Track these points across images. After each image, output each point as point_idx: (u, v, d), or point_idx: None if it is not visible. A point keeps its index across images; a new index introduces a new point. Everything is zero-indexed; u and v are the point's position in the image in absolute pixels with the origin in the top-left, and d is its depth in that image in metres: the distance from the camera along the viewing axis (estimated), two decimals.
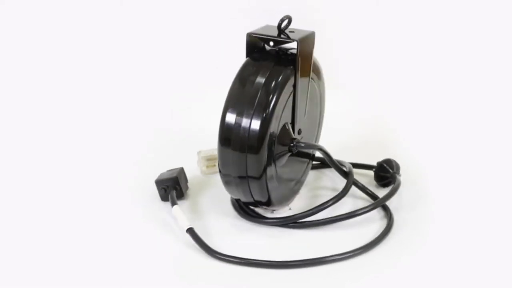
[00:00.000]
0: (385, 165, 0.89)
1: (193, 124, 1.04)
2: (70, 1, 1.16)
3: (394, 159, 0.91)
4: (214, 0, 1.13)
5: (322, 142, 0.89)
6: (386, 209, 0.84)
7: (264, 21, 0.78)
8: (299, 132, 0.83)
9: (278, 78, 0.76)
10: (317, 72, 0.85)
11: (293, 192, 0.87)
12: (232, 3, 1.11)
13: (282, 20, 0.77)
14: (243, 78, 0.76)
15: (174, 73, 1.16)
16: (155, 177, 0.87)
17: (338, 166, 0.84)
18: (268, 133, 0.75)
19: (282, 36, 0.78)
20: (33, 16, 1.16)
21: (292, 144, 0.79)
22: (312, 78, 0.82)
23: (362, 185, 0.88)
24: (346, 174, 0.84)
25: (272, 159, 0.77)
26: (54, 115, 1.11)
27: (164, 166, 0.90)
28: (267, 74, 0.76)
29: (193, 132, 1.03)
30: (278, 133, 0.77)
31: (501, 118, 1.09)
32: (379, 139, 1.05)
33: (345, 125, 0.99)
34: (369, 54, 1.16)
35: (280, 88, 0.76)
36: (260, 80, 0.75)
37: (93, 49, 1.18)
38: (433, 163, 0.99)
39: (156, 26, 1.16)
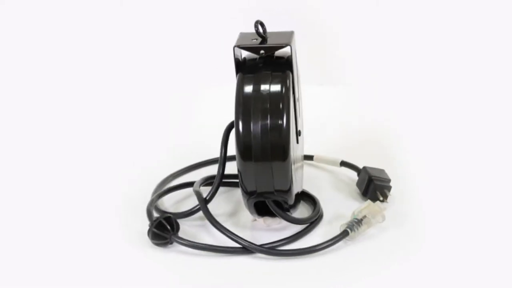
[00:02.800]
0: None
1: (191, 124, 1.04)
2: (67, 1, 1.15)
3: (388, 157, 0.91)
4: (214, 0, 1.12)
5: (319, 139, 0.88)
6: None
7: (264, 21, 0.77)
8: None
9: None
10: None
11: None
12: (232, 3, 1.10)
13: (256, 26, 0.76)
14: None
15: (173, 73, 1.15)
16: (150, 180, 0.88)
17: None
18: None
19: (269, 42, 0.76)
20: (32, 16, 1.15)
21: None
22: None
23: None
24: None
25: None
26: (48, 114, 1.11)
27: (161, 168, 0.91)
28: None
29: (189, 133, 1.03)
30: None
31: (503, 118, 1.07)
32: (377, 137, 1.04)
33: (344, 122, 0.98)
34: (368, 53, 1.15)
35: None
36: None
37: (89, 50, 1.17)
38: (430, 163, 0.98)
39: (156, 27, 1.15)
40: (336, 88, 0.89)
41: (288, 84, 0.74)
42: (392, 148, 1.02)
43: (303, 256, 0.75)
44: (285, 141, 0.73)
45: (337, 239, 0.76)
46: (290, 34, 0.78)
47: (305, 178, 0.88)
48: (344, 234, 0.77)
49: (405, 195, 0.88)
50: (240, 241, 0.75)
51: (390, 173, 0.89)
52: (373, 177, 0.87)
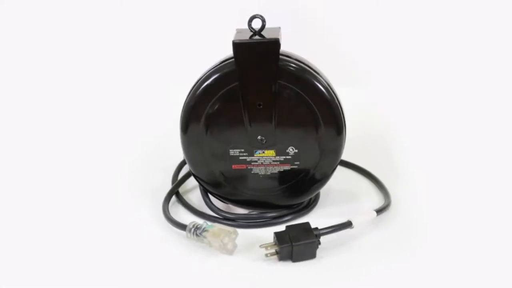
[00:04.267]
0: None
1: None
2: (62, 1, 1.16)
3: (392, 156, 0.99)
4: (214, 0, 1.11)
5: None
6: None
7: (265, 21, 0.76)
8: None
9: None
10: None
11: None
12: (232, 3, 1.09)
13: (250, 21, 0.76)
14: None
15: (173, 73, 1.17)
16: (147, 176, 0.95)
17: None
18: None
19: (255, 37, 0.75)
20: (26, 15, 1.18)
21: None
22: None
23: None
24: None
25: None
26: (45, 113, 1.17)
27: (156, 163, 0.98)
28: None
29: None
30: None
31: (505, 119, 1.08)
32: (377, 137, 1.05)
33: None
34: (368, 54, 1.15)
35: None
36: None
37: (85, 48, 1.19)
38: (431, 163, 0.98)
39: (156, 27, 1.16)
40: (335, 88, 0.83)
41: (211, 76, 0.78)
42: (393, 149, 1.02)
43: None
44: (184, 116, 0.81)
45: (177, 225, 0.80)
46: (273, 32, 0.77)
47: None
48: (181, 226, 0.79)
49: (405, 195, 0.87)
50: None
51: (390, 173, 0.92)
52: (287, 227, 0.76)
